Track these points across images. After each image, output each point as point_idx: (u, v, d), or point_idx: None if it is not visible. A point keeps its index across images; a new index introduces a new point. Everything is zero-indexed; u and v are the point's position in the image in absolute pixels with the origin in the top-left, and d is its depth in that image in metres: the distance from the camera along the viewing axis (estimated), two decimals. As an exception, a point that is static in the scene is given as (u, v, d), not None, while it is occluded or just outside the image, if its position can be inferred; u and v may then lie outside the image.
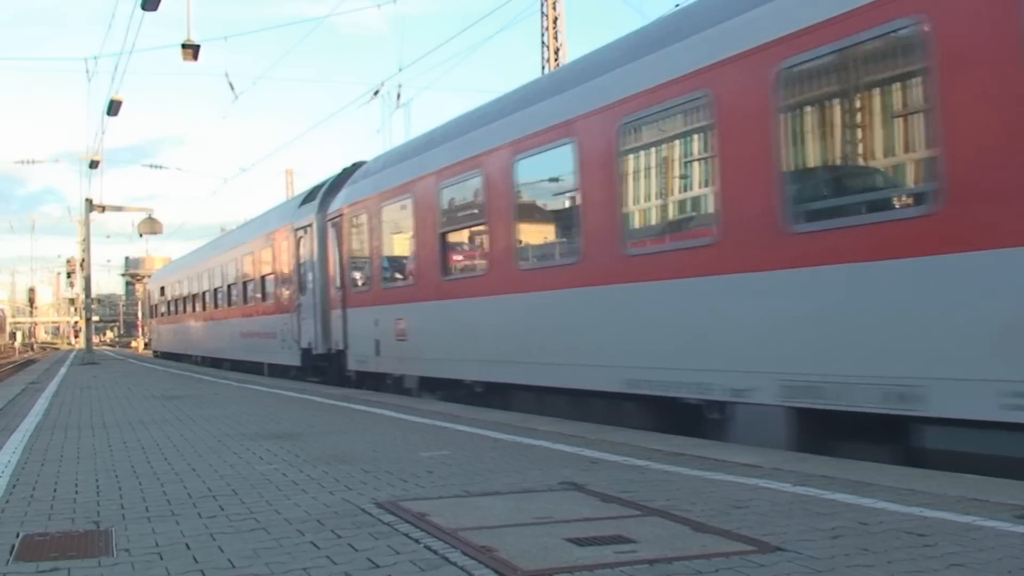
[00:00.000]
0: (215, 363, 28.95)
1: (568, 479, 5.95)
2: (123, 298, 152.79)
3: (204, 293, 30.53)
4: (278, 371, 21.61)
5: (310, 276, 18.44)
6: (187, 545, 4.39)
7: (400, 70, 52.23)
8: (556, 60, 28.05)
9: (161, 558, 4.16)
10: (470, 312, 11.95)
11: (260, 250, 22.94)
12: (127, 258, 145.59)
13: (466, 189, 12.39)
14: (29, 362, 52.18)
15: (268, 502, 5.45)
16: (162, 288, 41.43)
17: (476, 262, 12.38)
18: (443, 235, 12.87)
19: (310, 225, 18.46)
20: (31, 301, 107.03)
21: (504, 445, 7.76)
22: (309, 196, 19.83)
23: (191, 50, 17.92)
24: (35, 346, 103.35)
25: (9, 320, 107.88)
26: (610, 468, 6.39)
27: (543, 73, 27.29)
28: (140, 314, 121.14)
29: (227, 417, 10.97)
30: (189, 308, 33.59)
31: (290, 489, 5.88)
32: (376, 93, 24.32)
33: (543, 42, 28.79)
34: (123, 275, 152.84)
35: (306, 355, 18.90)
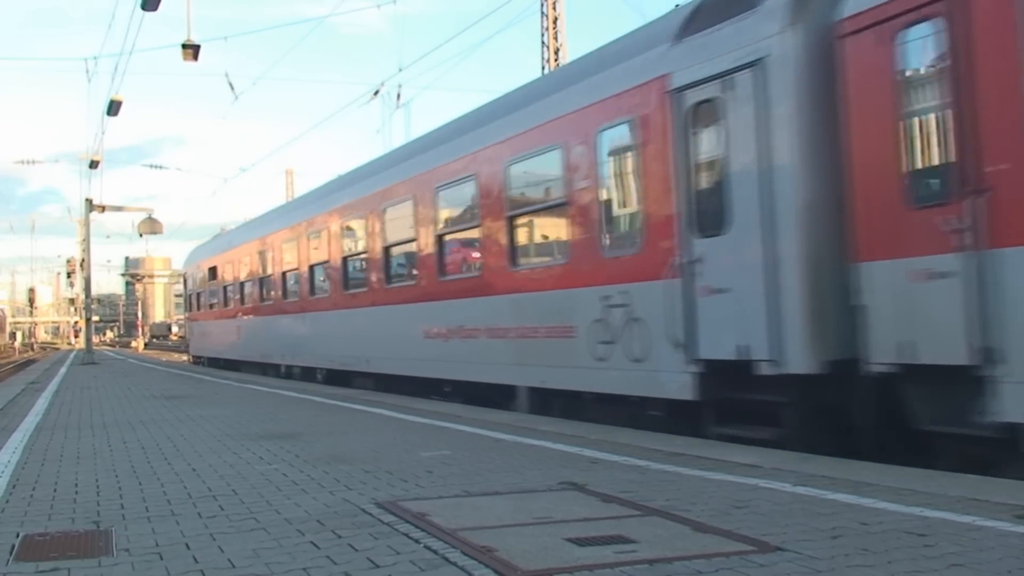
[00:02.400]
0: (338, 378, 17.40)
1: (568, 479, 5.95)
2: (123, 298, 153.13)
3: (315, 268, 18.79)
4: (560, 404, 10.56)
5: (744, 188, 7.88)
6: (187, 545, 4.40)
7: (400, 70, 52.20)
8: (556, 60, 28.05)
9: (161, 558, 4.16)
10: None
11: (503, 168, 11.40)
12: (127, 258, 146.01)
13: None
14: (29, 362, 52.19)
15: (268, 502, 5.45)
16: (212, 269, 28.22)
17: None
18: None
19: (759, 62, 7.76)
20: (31, 301, 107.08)
21: (504, 445, 7.76)
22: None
23: (191, 50, 17.91)
24: (35, 346, 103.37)
25: (9, 320, 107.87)
26: (610, 468, 6.40)
27: (543, 73, 27.28)
28: (140, 314, 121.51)
29: (227, 417, 10.97)
30: (273, 293, 21.64)
31: (290, 489, 5.88)
32: (376, 93, 24.32)
33: (543, 42, 28.79)
34: (123, 275, 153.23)
35: (716, 377, 8.17)
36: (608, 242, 9.69)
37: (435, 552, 4.11)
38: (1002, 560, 3.77)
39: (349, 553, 4.15)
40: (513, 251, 11.47)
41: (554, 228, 11.03)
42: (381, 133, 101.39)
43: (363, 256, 16.17)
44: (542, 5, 28.83)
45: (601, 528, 4.49)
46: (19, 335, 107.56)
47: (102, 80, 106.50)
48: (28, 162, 62.86)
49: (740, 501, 5.11)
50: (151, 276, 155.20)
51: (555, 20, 28.67)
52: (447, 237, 13.33)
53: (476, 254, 12.58)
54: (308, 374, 19.43)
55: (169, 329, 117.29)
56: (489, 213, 11.86)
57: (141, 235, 37.73)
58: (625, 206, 9.65)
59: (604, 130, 9.62)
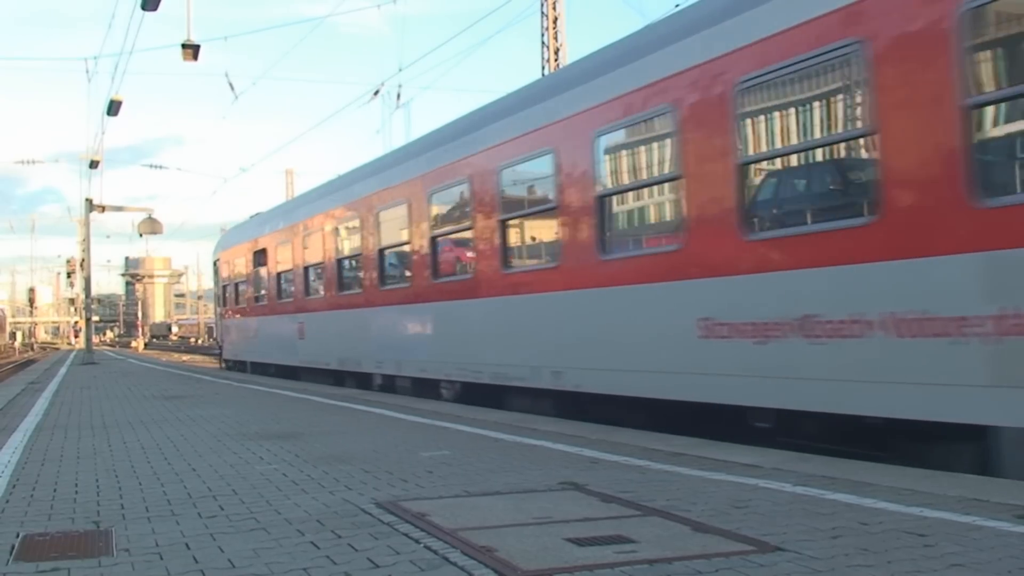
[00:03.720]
0: (481, 396, 11.95)
1: (568, 479, 5.95)
2: (123, 298, 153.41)
3: (440, 240, 13.27)
4: None
5: None
6: (187, 545, 4.40)
7: (400, 70, 52.36)
8: (556, 60, 28.06)
9: (161, 558, 4.16)
10: None
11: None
12: (127, 258, 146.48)
13: None
14: (29, 362, 52.21)
15: (268, 502, 5.45)
16: (260, 253, 22.01)
17: None
18: None
19: None
20: (31, 301, 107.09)
21: (504, 445, 7.76)
22: None
23: (191, 50, 17.92)
24: (35, 346, 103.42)
25: (9, 320, 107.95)
26: (610, 468, 6.40)
27: (543, 74, 27.31)
28: (140, 314, 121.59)
29: (227, 417, 10.97)
30: (365, 279, 15.69)
31: (290, 489, 5.88)
32: (376, 93, 24.40)
33: (543, 42, 28.80)
34: (123, 275, 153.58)
35: None
36: None
37: (435, 552, 4.11)
38: (1002, 560, 3.77)
39: (349, 553, 4.15)
40: (975, 168, 6.02)
41: None
42: (381, 133, 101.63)
43: (547, 212, 10.58)
44: (542, 5, 28.84)
45: (601, 528, 4.49)
46: (19, 335, 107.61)
47: (102, 80, 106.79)
48: (28, 162, 63.01)
49: (740, 501, 5.11)
50: (151, 276, 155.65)
51: (555, 20, 28.68)
52: (759, 167, 8.09)
53: (853, 187, 7.28)
54: (423, 388, 13.65)
55: (169, 329, 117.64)
56: (910, 98, 6.45)
57: (141, 235, 37.56)
58: None
59: None
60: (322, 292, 18.04)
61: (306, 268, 18.89)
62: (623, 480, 5.87)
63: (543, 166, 10.59)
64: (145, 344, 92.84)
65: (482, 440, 8.13)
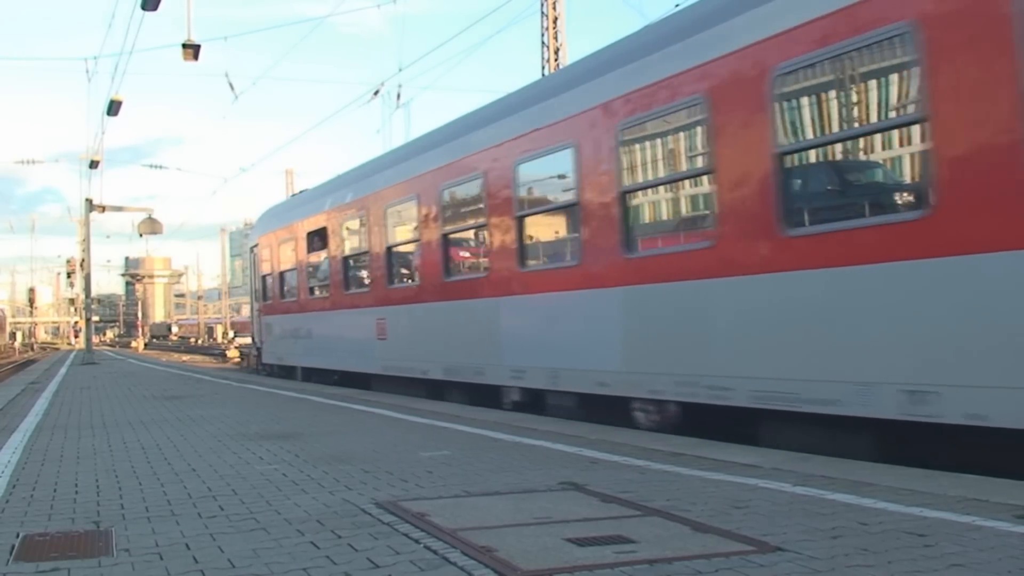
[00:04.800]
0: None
1: (568, 479, 5.95)
2: (123, 298, 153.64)
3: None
4: None
5: None
6: (187, 545, 4.40)
7: (400, 70, 52.05)
8: (556, 60, 28.06)
9: (161, 558, 4.16)
10: None
11: None
12: (127, 258, 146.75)
13: None
14: (29, 362, 52.21)
15: (268, 502, 5.46)
16: (317, 234, 18.05)
17: None
18: None
19: None
20: (31, 301, 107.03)
21: (504, 445, 7.76)
22: None
23: (191, 50, 17.91)
24: (35, 346, 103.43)
25: (9, 320, 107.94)
26: (610, 468, 6.40)
27: (543, 74, 27.31)
28: (140, 314, 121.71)
29: (227, 417, 10.97)
30: (504, 249, 11.13)
31: (290, 489, 5.88)
32: (376, 93, 24.37)
33: (543, 42, 28.79)
34: (123, 275, 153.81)
35: None
36: None
37: (435, 552, 4.11)
38: (1002, 560, 3.77)
39: (349, 553, 4.15)
40: None
41: None
42: (381, 133, 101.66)
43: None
44: (542, 5, 28.84)
45: (601, 528, 4.49)
46: (19, 335, 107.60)
47: (102, 80, 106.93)
48: (28, 162, 62.72)
49: (740, 501, 5.11)
50: (151, 276, 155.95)
51: (555, 20, 28.68)
52: None
53: None
54: (598, 408, 9.61)
55: (169, 329, 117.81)
56: None
57: (141, 235, 37.44)
58: None
59: None
60: (417, 279, 13.98)
61: (390, 249, 14.73)
62: (623, 480, 5.87)
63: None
64: (145, 344, 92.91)
65: (482, 440, 8.13)
